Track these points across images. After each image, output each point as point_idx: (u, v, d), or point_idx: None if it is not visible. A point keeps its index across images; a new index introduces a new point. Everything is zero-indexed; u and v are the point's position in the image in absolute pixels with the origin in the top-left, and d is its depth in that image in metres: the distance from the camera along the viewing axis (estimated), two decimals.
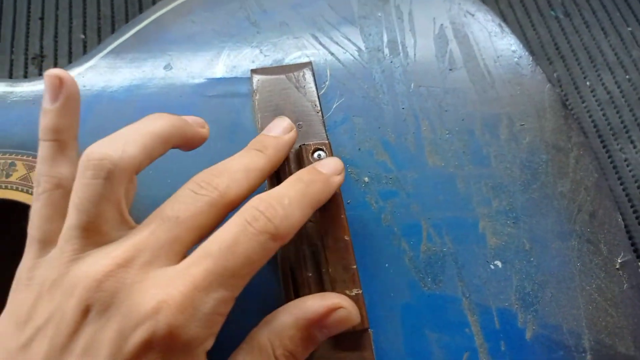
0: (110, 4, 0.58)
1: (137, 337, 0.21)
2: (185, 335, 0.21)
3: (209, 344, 0.23)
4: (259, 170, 0.27)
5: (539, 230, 0.32)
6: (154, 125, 0.26)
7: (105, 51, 0.38)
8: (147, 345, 0.21)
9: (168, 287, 0.21)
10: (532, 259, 0.31)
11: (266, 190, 0.29)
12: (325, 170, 0.28)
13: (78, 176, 0.24)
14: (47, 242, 0.24)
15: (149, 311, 0.21)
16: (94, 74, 0.36)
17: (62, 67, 0.54)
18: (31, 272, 0.24)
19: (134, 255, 0.22)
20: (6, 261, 0.42)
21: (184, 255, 0.24)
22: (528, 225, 0.32)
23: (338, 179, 0.28)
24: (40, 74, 0.54)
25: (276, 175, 0.31)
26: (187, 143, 0.28)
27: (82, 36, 0.56)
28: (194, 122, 0.29)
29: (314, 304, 0.25)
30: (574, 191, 0.34)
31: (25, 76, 0.54)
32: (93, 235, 0.23)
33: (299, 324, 0.25)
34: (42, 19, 0.57)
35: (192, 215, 0.24)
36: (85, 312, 0.21)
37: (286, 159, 0.31)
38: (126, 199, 0.25)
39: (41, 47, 0.55)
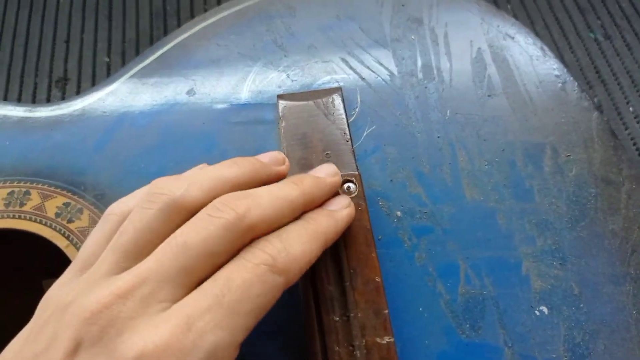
0: (136, 28, 0.57)
1: None
2: None
3: None
4: (289, 200, 0.24)
5: (588, 272, 0.29)
6: (225, 172, 0.25)
7: (127, 75, 0.36)
8: None
9: (157, 328, 0.20)
10: (581, 305, 0.28)
11: None
12: (333, 207, 0.27)
13: (137, 204, 0.23)
14: (89, 264, 0.23)
15: (131, 357, 0.19)
16: (115, 99, 0.35)
17: (84, 90, 0.53)
18: (56, 290, 0.23)
19: (135, 286, 0.21)
20: (17, 294, 0.41)
21: (197, 285, 0.22)
22: (576, 267, 0.29)
23: (347, 212, 0.27)
24: (63, 97, 0.53)
25: None
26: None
27: (106, 59, 0.55)
28: (273, 161, 0.27)
29: None
30: (626, 229, 0.31)
31: (49, 99, 0.53)
32: (128, 261, 0.22)
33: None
34: (67, 42, 0.56)
35: (202, 240, 0.21)
36: (76, 346, 0.20)
37: None
38: None
39: (65, 70, 0.55)
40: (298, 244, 0.23)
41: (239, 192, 0.24)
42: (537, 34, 0.58)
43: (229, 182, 0.24)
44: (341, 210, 0.27)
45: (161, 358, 0.19)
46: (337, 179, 0.28)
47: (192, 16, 0.60)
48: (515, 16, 0.59)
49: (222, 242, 0.22)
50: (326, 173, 0.28)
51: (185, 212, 0.23)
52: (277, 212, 0.24)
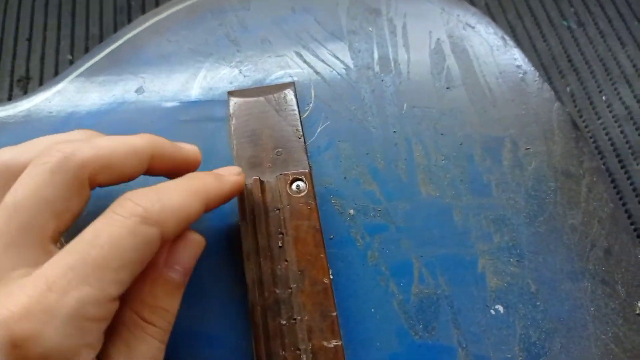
0: (99, 24, 0.55)
1: None
2: (39, 347, 0.18)
3: (87, 357, 0.19)
4: (131, 145, 0.23)
5: (546, 269, 0.28)
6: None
7: (75, 74, 0.35)
8: None
9: (12, 295, 0.19)
10: (538, 302, 0.28)
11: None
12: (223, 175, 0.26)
13: None
14: None
15: None
16: (62, 99, 0.34)
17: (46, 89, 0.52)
18: None
19: None
20: None
21: (55, 241, 0.21)
22: (534, 264, 0.29)
23: (235, 179, 0.25)
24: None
25: (250, 213, 0.28)
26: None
27: (69, 57, 0.54)
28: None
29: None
30: (586, 224, 0.30)
31: (10, 98, 0.52)
32: None
33: (150, 279, 0.22)
34: (29, 40, 0.55)
35: (31, 191, 0.20)
36: None
37: (262, 192, 0.28)
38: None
39: (27, 68, 0.53)
40: (174, 196, 0.22)
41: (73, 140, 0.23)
42: (509, 23, 0.57)
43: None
44: (229, 176, 0.25)
45: (21, 322, 0.18)
46: (196, 150, 0.27)
47: None
48: (487, 5, 0.58)
49: (53, 187, 0.20)
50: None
51: (18, 174, 0.22)
52: (114, 152, 0.22)
